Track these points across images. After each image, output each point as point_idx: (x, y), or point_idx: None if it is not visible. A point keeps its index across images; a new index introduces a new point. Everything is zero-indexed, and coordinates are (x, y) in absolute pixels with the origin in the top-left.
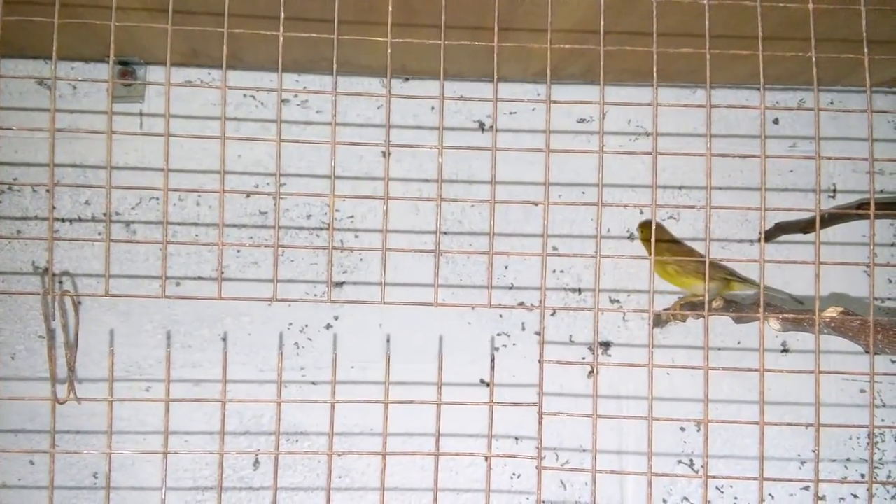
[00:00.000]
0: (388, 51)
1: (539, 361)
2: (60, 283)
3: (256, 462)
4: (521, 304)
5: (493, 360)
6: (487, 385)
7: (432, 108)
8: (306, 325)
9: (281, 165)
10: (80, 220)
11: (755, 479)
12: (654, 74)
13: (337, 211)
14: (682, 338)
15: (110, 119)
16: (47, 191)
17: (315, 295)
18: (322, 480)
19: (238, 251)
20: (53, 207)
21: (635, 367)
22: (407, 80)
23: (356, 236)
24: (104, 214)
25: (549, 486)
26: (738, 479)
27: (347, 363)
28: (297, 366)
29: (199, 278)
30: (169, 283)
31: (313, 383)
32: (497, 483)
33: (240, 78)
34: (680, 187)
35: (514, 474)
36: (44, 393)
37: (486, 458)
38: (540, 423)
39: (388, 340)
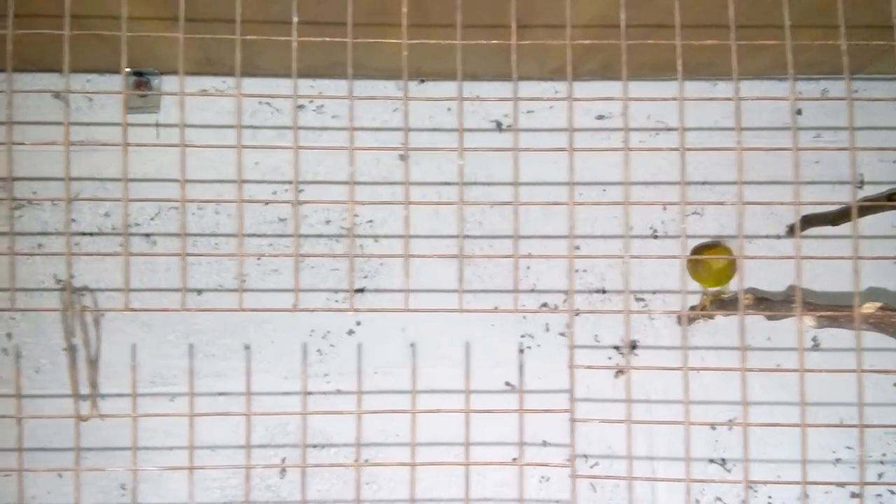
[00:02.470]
0: (405, 52)
1: (569, 367)
2: (81, 296)
3: (283, 471)
4: (545, 305)
5: (521, 367)
6: (513, 388)
7: (448, 109)
8: (329, 332)
9: (299, 172)
10: (100, 232)
11: (798, 483)
12: (680, 67)
13: (356, 216)
14: (711, 337)
15: (125, 130)
16: (69, 203)
17: (336, 301)
18: (349, 489)
19: (258, 259)
20: (73, 220)
21: (665, 369)
22: (422, 81)
23: (376, 241)
24: (125, 227)
25: (579, 489)
26: (779, 483)
27: (371, 369)
28: (320, 372)
29: (220, 288)
30: (190, 293)
31: (338, 391)
32: (525, 489)
33: (255, 85)
34: (703, 182)
35: (542, 478)
36: (68, 408)
37: (519, 467)
38: (572, 431)
39: (412, 347)
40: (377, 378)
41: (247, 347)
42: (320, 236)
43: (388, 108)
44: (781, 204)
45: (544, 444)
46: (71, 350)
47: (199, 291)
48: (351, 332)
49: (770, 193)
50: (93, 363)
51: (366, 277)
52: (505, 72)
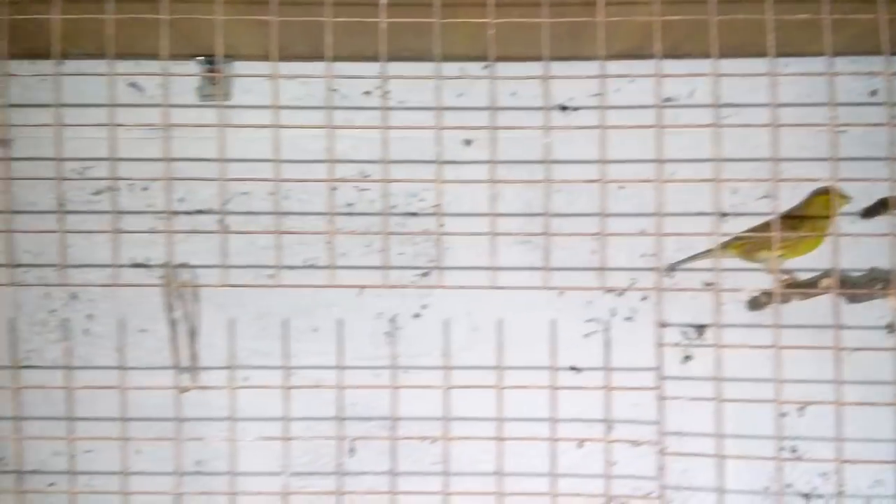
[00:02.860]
0: (491, 31)
1: (658, 345)
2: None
3: (352, 450)
4: (611, 290)
5: (608, 343)
6: (578, 371)
7: (513, 93)
8: (396, 315)
9: (366, 156)
10: (176, 214)
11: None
12: (771, 43)
13: (421, 201)
14: (781, 318)
15: (221, 113)
16: (143, 189)
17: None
18: (417, 466)
19: (328, 242)
20: (149, 205)
21: (736, 351)
22: (487, 66)
23: (442, 225)
24: (199, 211)
25: (646, 470)
26: (873, 462)
27: (437, 352)
28: (387, 354)
29: (292, 267)
30: (262, 274)
31: (405, 369)
32: (591, 468)
33: (324, 70)
34: (777, 160)
35: (608, 461)
36: (154, 383)
37: (605, 443)
38: (660, 408)
39: (494, 326)
40: (443, 361)
41: (314, 330)
42: (387, 215)
43: (452, 91)
44: (878, 181)
45: (610, 425)
46: (172, 324)
47: (271, 274)
48: (417, 316)
49: (842, 173)
50: (192, 337)
51: (432, 261)
52: (570, 53)
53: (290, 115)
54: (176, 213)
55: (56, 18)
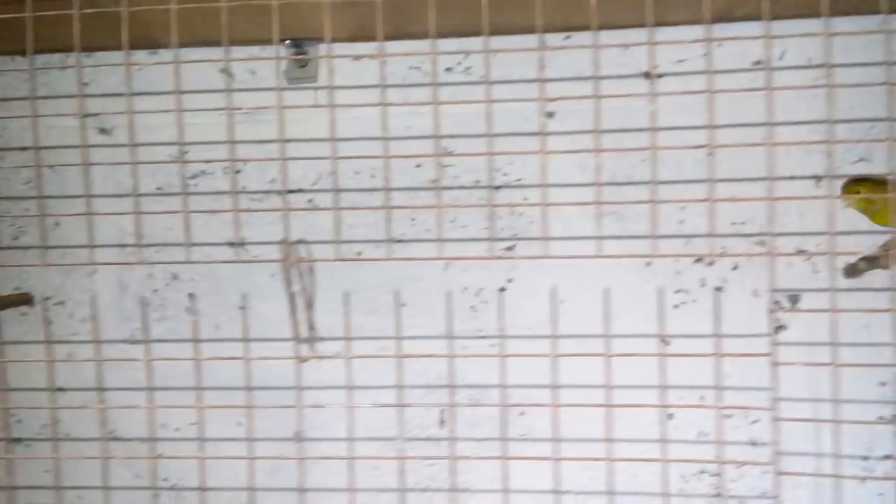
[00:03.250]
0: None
1: (769, 311)
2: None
3: (442, 421)
4: (699, 260)
5: (716, 311)
6: (666, 343)
7: (594, 62)
8: (481, 289)
9: (450, 131)
10: (268, 194)
11: None
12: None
13: (505, 175)
14: (879, 284)
15: (331, 94)
16: (237, 172)
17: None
18: (513, 435)
19: (413, 219)
20: (243, 186)
21: (827, 319)
22: (568, 37)
23: (525, 198)
24: (290, 191)
25: (740, 436)
26: None
27: (523, 325)
28: (474, 328)
29: (379, 241)
30: (350, 249)
31: (491, 341)
32: (685, 437)
33: (407, 47)
34: (871, 120)
35: (701, 433)
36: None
37: (716, 410)
38: (774, 375)
39: (606, 293)
40: (531, 334)
41: (403, 304)
42: (471, 188)
43: (532, 64)
44: None
45: (702, 395)
46: (290, 298)
47: (360, 250)
48: (502, 290)
49: None
50: (309, 309)
51: (516, 234)
52: (653, 20)
53: (374, 95)
54: (268, 192)
55: (175, 8)
